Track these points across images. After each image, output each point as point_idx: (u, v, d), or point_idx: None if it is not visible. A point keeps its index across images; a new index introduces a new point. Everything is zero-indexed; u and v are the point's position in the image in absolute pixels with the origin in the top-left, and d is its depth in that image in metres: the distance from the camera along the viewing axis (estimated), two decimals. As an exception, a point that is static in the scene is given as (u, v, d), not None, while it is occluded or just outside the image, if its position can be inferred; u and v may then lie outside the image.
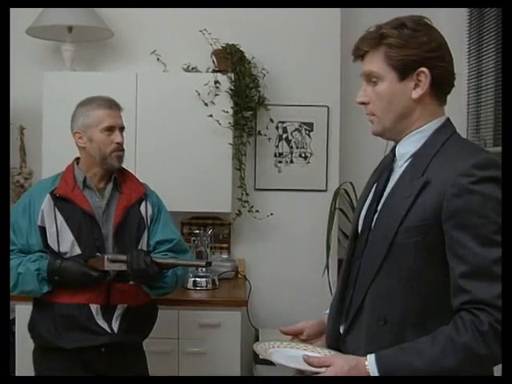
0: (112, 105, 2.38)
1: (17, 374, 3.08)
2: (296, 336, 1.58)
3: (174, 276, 2.37)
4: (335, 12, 3.54)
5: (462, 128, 3.44)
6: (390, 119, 1.42)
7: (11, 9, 3.30)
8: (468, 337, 1.23)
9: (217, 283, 3.32)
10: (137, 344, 2.48)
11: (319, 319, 1.60)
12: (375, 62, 1.40)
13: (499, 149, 3.08)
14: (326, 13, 3.53)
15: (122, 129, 2.39)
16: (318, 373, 1.32)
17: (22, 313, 3.05)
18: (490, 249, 1.24)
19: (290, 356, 1.42)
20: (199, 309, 3.06)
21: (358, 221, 1.51)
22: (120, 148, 2.36)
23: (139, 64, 3.53)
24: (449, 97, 1.49)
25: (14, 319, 3.15)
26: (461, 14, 3.51)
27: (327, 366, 1.31)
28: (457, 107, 3.44)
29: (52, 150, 3.28)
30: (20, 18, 3.37)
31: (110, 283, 2.30)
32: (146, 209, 2.40)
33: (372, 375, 1.28)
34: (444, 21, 3.36)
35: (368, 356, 1.30)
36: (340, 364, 1.31)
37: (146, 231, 2.39)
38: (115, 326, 2.31)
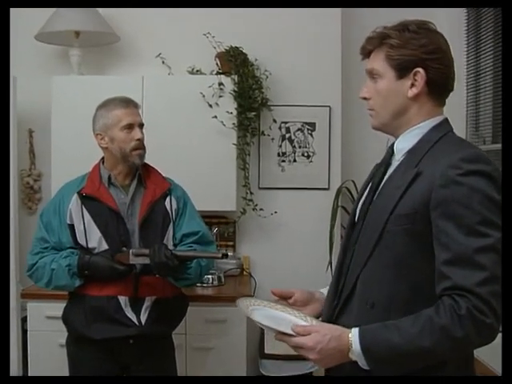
0: (129, 103, 2.43)
1: (29, 372, 3.10)
2: (283, 299, 1.62)
3: (199, 267, 2.42)
4: (336, 13, 3.58)
5: (461, 126, 3.46)
6: (387, 115, 1.49)
7: (20, 16, 3.43)
8: (446, 319, 1.28)
9: (222, 280, 3.37)
10: (165, 336, 2.52)
11: (310, 291, 1.65)
12: (377, 61, 1.48)
13: (498, 146, 3.13)
14: (326, 14, 3.57)
15: (141, 125, 2.44)
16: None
17: (34, 311, 3.13)
18: (472, 238, 1.28)
19: (272, 316, 1.46)
20: (206, 305, 3.10)
21: (355, 211, 1.57)
22: (141, 145, 2.41)
23: (145, 67, 3.58)
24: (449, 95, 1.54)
25: (25, 317, 3.17)
26: (459, 14, 3.55)
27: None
28: (456, 105, 3.47)
29: (61, 151, 3.36)
30: (28, 25, 3.46)
31: (138, 276, 2.35)
32: (170, 203, 2.45)
33: (353, 347, 1.34)
34: (443, 21, 3.39)
35: (353, 329, 1.36)
36: (323, 332, 1.36)
37: (171, 225, 2.44)
38: (143, 317, 2.36)
